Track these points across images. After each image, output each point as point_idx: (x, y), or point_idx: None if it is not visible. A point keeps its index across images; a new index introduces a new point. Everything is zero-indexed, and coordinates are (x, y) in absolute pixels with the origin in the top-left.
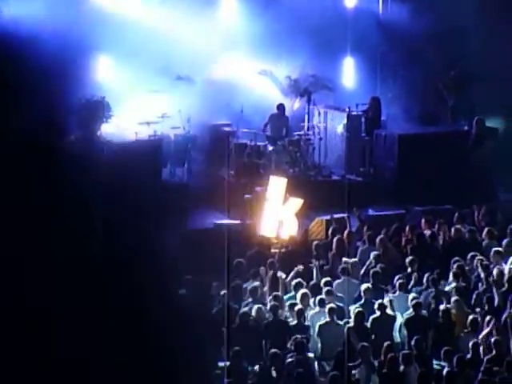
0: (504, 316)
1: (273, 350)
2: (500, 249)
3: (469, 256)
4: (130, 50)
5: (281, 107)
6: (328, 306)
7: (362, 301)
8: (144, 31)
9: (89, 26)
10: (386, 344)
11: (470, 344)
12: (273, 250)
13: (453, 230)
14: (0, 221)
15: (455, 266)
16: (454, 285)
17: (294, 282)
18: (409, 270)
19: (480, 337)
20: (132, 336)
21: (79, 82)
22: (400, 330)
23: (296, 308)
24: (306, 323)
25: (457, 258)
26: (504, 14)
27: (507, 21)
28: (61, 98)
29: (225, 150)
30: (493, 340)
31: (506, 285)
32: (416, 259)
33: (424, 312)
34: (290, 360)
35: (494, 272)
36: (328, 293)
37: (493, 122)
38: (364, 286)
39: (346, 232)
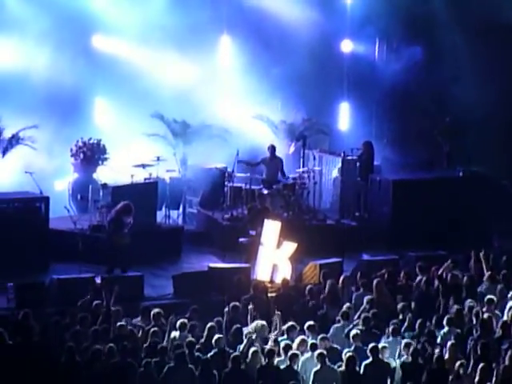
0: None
1: None
2: (492, 296)
3: (466, 302)
4: (126, 93)
5: (271, 148)
6: (317, 352)
7: (353, 347)
8: (141, 76)
9: (88, 70)
10: None
11: None
12: (269, 295)
13: (449, 275)
14: None
15: (451, 312)
16: (446, 329)
17: (286, 326)
18: (400, 316)
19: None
20: None
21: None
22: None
23: (290, 353)
24: (298, 368)
25: (452, 304)
26: (497, 59)
27: (501, 67)
28: None
29: (220, 194)
30: None
31: (500, 331)
32: (407, 305)
33: (418, 358)
34: None
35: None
36: (323, 338)
37: (486, 167)
38: (353, 332)
39: (341, 277)
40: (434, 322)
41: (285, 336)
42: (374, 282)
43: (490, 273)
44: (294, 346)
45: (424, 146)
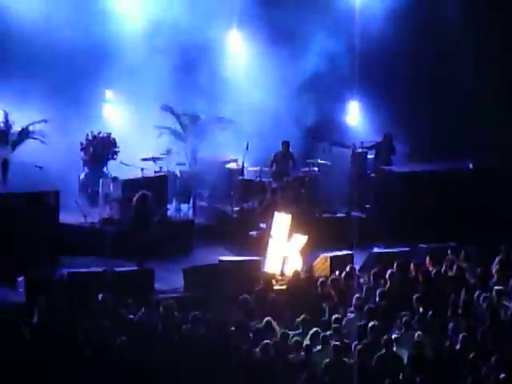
0: None
1: None
2: (502, 287)
3: (476, 293)
4: (135, 85)
5: (285, 144)
6: (333, 344)
7: (368, 338)
8: (149, 67)
9: (97, 60)
10: (387, 381)
11: (469, 381)
12: (277, 287)
13: (455, 267)
14: None
15: (461, 304)
16: (457, 321)
17: (299, 319)
18: (417, 308)
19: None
20: None
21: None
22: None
23: (304, 344)
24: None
25: (463, 296)
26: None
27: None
28: None
29: (230, 187)
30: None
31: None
32: (421, 297)
33: (429, 350)
34: None
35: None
36: (335, 330)
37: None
38: (371, 324)
39: (348, 269)
40: (445, 314)
41: (299, 330)
42: (388, 272)
43: (499, 265)
44: (307, 339)
45: (433, 136)
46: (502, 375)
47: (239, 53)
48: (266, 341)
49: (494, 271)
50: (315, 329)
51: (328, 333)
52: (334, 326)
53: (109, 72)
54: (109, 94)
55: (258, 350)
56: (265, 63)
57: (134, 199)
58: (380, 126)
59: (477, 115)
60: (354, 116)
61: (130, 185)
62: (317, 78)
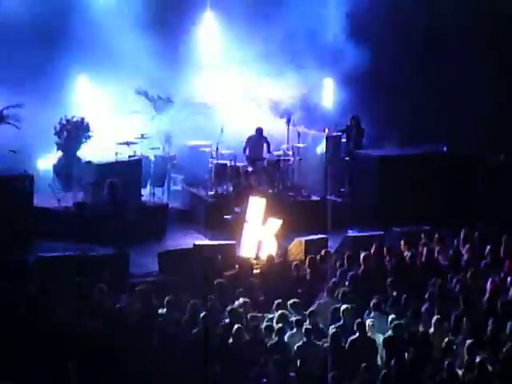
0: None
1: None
2: (474, 270)
3: (448, 277)
4: (108, 69)
5: (258, 131)
6: (304, 327)
7: (342, 322)
8: (123, 51)
9: (71, 44)
10: (363, 365)
11: (445, 364)
12: (254, 271)
13: (427, 250)
14: None
15: (434, 287)
16: (430, 304)
17: (275, 303)
18: (389, 291)
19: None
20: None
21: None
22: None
23: (276, 327)
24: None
25: (436, 279)
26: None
27: None
28: None
29: (204, 171)
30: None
31: (486, 306)
32: (395, 281)
33: (402, 333)
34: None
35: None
36: (308, 314)
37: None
38: (343, 307)
39: (322, 252)
40: (418, 297)
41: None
42: (362, 255)
43: (469, 245)
44: (274, 320)
45: (407, 121)
46: (478, 358)
47: (213, 35)
48: (237, 325)
49: (465, 254)
50: (281, 311)
51: (301, 316)
52: (307, 310)
53: (81, 54)
54: (82, 77)
55: (231, 333)
56: (239, 45)
57: (105, 188)
58: (352, 107)
59: (453, 99)
60: (329, 97)
61: (104, 169)
62: (291, 58)
